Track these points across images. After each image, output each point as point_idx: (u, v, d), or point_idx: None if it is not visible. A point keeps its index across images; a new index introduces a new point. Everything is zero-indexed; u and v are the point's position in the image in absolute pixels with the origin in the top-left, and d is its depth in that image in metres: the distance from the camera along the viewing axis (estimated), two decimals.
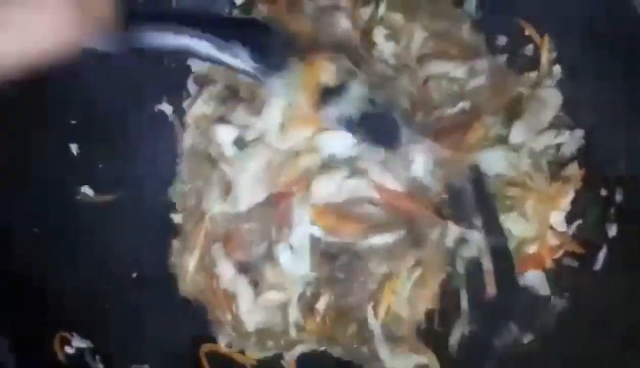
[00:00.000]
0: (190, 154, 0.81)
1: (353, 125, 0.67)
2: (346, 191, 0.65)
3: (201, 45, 0.58)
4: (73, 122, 0.78)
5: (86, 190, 0.79)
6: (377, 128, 0.69)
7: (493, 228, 0.68)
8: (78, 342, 0.67)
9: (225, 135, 0.76)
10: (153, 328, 0.76)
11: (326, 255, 0.68)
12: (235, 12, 0.89)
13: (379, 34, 0.77)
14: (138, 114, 0.84)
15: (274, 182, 0.68)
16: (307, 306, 0.69)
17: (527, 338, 0.71)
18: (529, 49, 0.85)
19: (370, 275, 0.67)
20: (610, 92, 0.75)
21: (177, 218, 0.82)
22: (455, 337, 0.70)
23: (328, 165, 0.68)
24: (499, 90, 0.79)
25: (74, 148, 0.79)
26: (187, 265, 0.75)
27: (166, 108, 0.87)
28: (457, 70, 0.77)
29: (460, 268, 0.70)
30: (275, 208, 0.69)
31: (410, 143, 0.69)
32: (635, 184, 0.71)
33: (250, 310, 0.70)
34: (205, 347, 0.76)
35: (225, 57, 0.60)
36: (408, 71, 0.77)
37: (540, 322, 0.72)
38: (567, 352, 0.68)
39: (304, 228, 0.66)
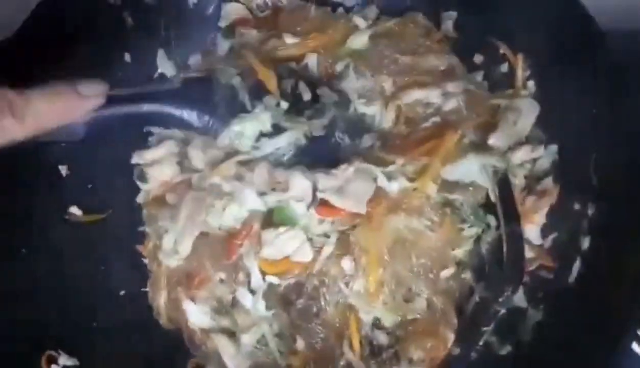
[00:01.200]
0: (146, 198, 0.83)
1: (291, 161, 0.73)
2: (288, 247, 0.67)
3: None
4: (63, 144, 0.80)
5: (74, 210, 0.81)
6: (318, 153, 0.74)
7: (513, 222, 0.71)
8: (65, 360, 0.69)
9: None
10: (140, 346, 0.78)
11: (284, 299, 0.70)
12: (219, 35, 0.93)
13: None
14: None
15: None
16: (288, 347, 0.71)
17: (504, 350, 0.73)
18: (504, 67, 0.88)
19: (331, 314, 0.69)
20: (581, 108, 0.78)
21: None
22: (471, 303, 0.72)
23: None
24: (474, 110, 0.81)
25: (63, 169, 0.81)
26: (159, 302, 0.76)
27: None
28: (431, 94, 0.80)
29: (484, 249, 0.74)
30: (221, 247, 0.71)
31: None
32: (606, 198, 0.73)
33: (237, 364, 0.71)
34: (193, 362, 0.77)
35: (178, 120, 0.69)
36: (379, 104, 0.80)
37: (518, 333, 0.73)
38: (544, 363, 0.70)
39: (257, 277, 0.68)
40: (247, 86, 0.73)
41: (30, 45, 0.77)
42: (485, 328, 0.69)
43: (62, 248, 0.77)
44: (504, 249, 0.70)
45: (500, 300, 0.67)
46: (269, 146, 0.72)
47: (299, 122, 0.73)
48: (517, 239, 0.70)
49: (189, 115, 0.70)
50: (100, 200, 0.84)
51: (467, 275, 0.74)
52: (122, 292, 0.81)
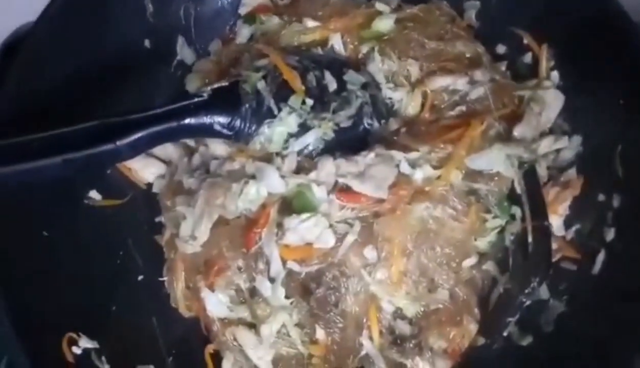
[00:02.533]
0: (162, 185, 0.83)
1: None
2: (310, 233, 0.67)
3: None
4: None
5: (94, 194, 0.81)
6: (346, 144, 0.74)
7: (539, 214, 0.71)
8: (85, 343, 0.69)
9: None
10: (158, 329, 0.78)
11: (303, 288, 0.69)
12: (240, 22, 0.93)
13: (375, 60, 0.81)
14: None
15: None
16: (309, 336, 0.70)
17: (525, 341, 0.72)
18: (527, 57, 0.87)
19: (350, 304, 0.68)
20: (607, 99, 0.77)
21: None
22: (495, 294, 0.71)
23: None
24: (500, 100, 0.80)
25: None
26: (176, 289, 0.76)
27: None
28: (457, 82, 0.79)
29: (507, 241, 0.73)
30: (240, 236, 0.70)
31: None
32: (633, 189, 0.72)
33: (260, 356, 0.71)
34: (210, 348, 0.77)
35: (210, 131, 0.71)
36: (405, 89, 0.79)
37: (539, 324, 0.73)
38: (566, 355, 0.69)
39: (277, 264, 0.67)
40: (272, 90, 0.73)
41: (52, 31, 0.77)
42: (510, 319, 0.68)
43: (81, 232, 0.77)
44: (529, 241, 0.69)
45: (527, 291, 0.66)
46: (297, 145, 0.73)
47: (325, 118, 0.73)
48: (544, 231, 0.70)
49: (220, 125, 0.71)
50: (120, 186, 0.84)
51: (490, 266, 0.73)
52: (140, 277, 0.81)
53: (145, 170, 0.86)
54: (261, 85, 0.73)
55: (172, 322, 0.78)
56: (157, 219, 0.82)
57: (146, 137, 0.67)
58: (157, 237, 0.82)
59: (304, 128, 0.73)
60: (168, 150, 0.86)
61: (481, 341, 0.68)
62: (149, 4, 0.87)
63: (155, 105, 0.70)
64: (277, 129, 0.72)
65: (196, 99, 0.71)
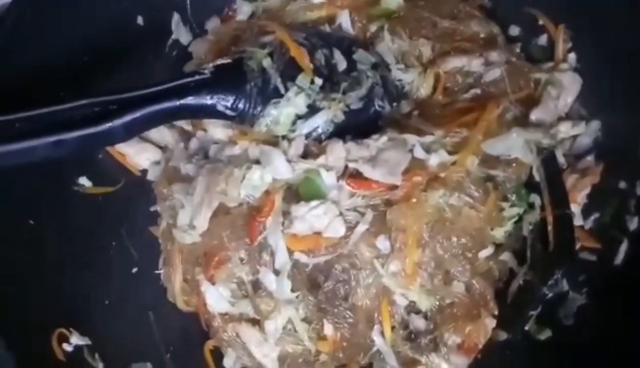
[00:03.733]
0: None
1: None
2: (320, 222, 0.62)
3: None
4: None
5: (84, 180, 0.76)
6: (358, 127, 0.70)
7: (561, 202, 0.68)
8: (77, 339, 0.64)
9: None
10: (155, 325, 0.73)
11: (310, 281, 0.65)
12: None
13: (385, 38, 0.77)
14: None
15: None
16: (316, 332, 0.66)
17: (544, 335, 0.69)
18: (542, 39, 0.83)
19: (361, 298, 0.64)
20: (627, 82, 0.73)
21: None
22: (513, 286, 0.68)
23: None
24: (516, 82, 0.76)
25: None
26: (174, 283, 0.71)
27: None
28: (472, 63, 0.75)
29: (525, 231, 0.69)
30: (243, 225, 0.66)
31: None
32: None
33: (265, 353, 0.67)
34: (210, 344, 0.72)
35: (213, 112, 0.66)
36: (417, 70, 0.75)
37: (559, 317, 0.69)
38: (587, 349, 0.66)
39: (283, 255, 0.63)
40: (279, 67, 0.68)
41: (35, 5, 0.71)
42: (532, 312, 0.64)
43: (70, 221, 0.72)
44: (550, 230, 0.66)
45: (550, 283, 0.63)
46: (305, 127, 0.68)
47: (335, 99, 0.69)
48: (567, 220, 0.66)
49: (223, 105, 0.66)
50: (112, 172, 0.79)
51: (507, 257, 0.69)
52: (134, 270, 0.76)
53: (139, 155, 0.81)
54: (267, 62, 0.68)
55: (169, 317, 0.74)
56: (152, 208, 0.77)
57: (143, 118, 0.62)
58: (153, 228, 0.77)
59: (312, 109, 0.68)
60: (164, 134, 0.81)
61: (503, 335, 0.64)
62: None
63: (153, 82, 0.65)
64: (285, 110, 0.67)
65: (197, 76, 0.66)
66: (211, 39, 0.85)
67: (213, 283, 0.67)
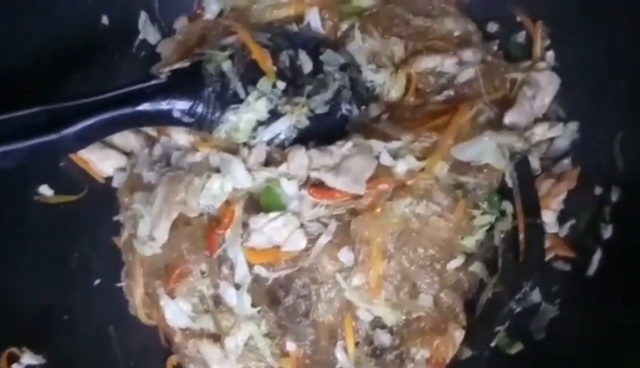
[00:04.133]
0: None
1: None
2: (279, 234, 0.60)
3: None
4: None
5: (44, 189, 0.74)
6: (323, 132, 0.67)
7: (532, 210, 0.65)
8: (29, 359, 0.62)
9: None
10: (116, 339, 0.71)
11: (271, 296, 0.63)
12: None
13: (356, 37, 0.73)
14: None
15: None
16: (279, 348, 0.64)
17: (515, 349, 0.67)
18: (521, 36, 0.80)
19: (322, 313, 0.62)
20: (607, 81, 0.70)
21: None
22: (482, 299, 0.66)
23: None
24: (491, 83, 0.73)
25: None
26: (135, 296, 0.69)
27: None
28: (445, 63, 0.72)
29: (497, 240, 0.67)
30: (203, 237, 0.63)
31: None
32: (634, 182, 0.66)
33: None
34: (173, 360, 0.70)
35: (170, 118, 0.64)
36: (388, 70, 0.72)
37: (530, 331, 0.67)
38: (559, 363, 0.64)
39: (243, 269, 0.61)
40: (239, 71, 0.65)
41: None
42: (499, 328, 0.62)
43: (29, 232, 0.70)
44: (521, 240, 0.63)
45: (517, 297, 0.60)
46: (267, 134, 0.66)
47: (298, 104, 0.66)
48: (537, 230, 0.63)
49: (180, 111, 0.64)
50: (75, 179, 0.77)
51: (477, 268, 0.66)
52: (96, 282, 0.74)
53: (103, 162, 0.78)
54: (227, 66, 0.65)
55: (131, 331, 0.72)
56: (115, 218, 0.75)
57: (96, 126, 0.60)
58: (116, 239, 0.75)
59: (274, 115, 0.66)
60: (129, 139, 0.79)
61: (467, 353, 0.62)
62: None
63: (106, 88, 0.62)
64: (245, 116, 0.65)
65: (153, 81, 0.63)
66: (179, 38, 0.83)
67: (173, 298, 0.65)
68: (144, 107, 0.62)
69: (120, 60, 0.83)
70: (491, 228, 0.67)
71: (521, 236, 0.64)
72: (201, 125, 0.65)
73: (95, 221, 0.76)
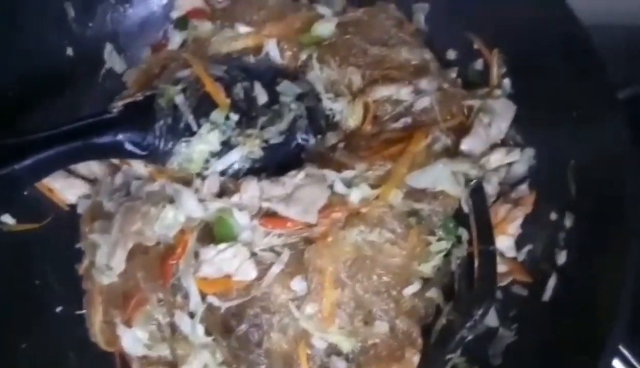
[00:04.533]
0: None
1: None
2: (229, 265, 0.60)
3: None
4: None
5: (6, 218, 0.74)
6: (278, 162, 0.68)
7: (485, 237, 0.66)
8: None
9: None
10: (76, 366, 0.71)
11: (224, 325, 0.62)
12: (171, 27, 0.86)
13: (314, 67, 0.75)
14: None
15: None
16: None
17: None
18: (479, 64, 0.82)
19: (275, 342, 0.62)
20: (560, 109, 0.72)
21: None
22: (438, 326, 0.66)
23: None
24: (448, 110, 0.75)
25: None
26: (94, 323, 0.69)
27: None
28: (401, 91, 0.73)
29: (454, 265, 0.68)
30: (158, 266, 0.64)
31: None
32: (585, 208, 0.67)
33: None
34: None
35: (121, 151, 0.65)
36: (346, 99, 0.74)
37: (487, 356, 0.67)
38: None
39: (196, 298, 0.61)
40: (192, 104, 0.66)
41: None
42: (450, 355, 0.62)
43: None
44: (475, 267, 0.64)
45: (468, 325, 0.61)
46: (220, 165, 0.66)
47: (251, 135, 0.67)
48: (489, 257, 0.64)
49: (132, 144, 0.64)
50: (39, 207, 0.77)
51: (434, 294, 0.67)
52: (58, 309, 0.74)
53: (68, 190, 0.79)
54: (179, 99, 0.66)
55: (92, 359, 0.71)
56: (77, 245, 0.75)
57: (47, 159, 0.60)
58: (78, 266, 0.75)
59: (227, 146, 0.66)
60: (92, 168, 0.79)
61: None
62: (69, 8, 0.81)
63: (59, 122, 0.63)
64: (197, 147, 0.66)
65: (105, 116, 0.64)
66: (143, 68, 0.84)
67: (130, 326, 0.65)
68: (95, 140, 0.62)
69: (86, 89, 0.84)
70: (448, 254, 0.68)
71: (476, 263, 0.65)
72: (154, 157, 0.66)
73: (59, 248, 0.76)
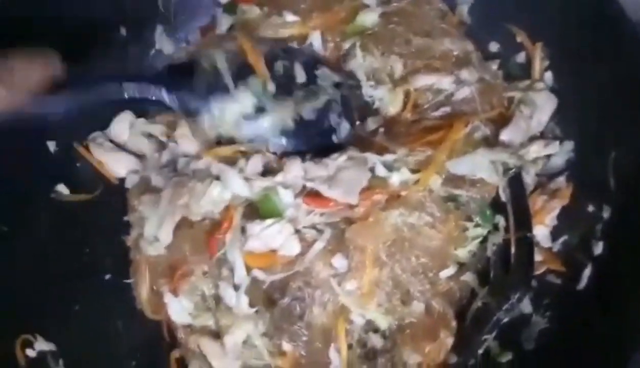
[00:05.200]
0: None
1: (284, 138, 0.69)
2: (275, 240, 0.63)
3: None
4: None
5: (61, 188, 0.78)
6: (308, 139, 0.70)
7: (523, 225, 0.68)
8: (41, 345, 0.66)
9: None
10: (123, 332, 0.75)
11: (267, 298, 0.65)
12: (220, 11, 0.89)
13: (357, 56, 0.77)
14: None
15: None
16: (276, 347, 0.66)
17: (505, 357, 0.68)
18: (521, 57, 0.82)
19: (316, 316, 0.64)
20: (602, 102, 0.72)
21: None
22: (473, 309, 0.68)
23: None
24: (488, 101, 0.76)
25: (51, 145, 0.78)
26: (142, 292, 0.72)
27: None
28: (442, 81, 0.74)
29: (490, 251, 0.69)
30: (204, 240, 0.67)
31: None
32: (624, 201, 0.67)
33: (225, 367, 0.67)
34: (176, 354, 0.73)
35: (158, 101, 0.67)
36: (387, 87, 0.75)
37: (520, 341, 0.69)
38: None
39: (241, 271, 0.64)
40: (232, 68, 0.69)
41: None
42: (486, 337, 0.64)
43: (46, 227, 0.74)
44: (512, 253, 0.65)
45: (504, 308, 0.62)
46: (250, 129, 0.68)
47: (285, 104, 0.69)
48: (527, 244, 0.66)
49: (169, 96, 0.67)
50: (89, 180, 0.81)
51: (469, 278, 0.69)
52: (107, 277, 0.78)
53: (116, 164, 0.82)
54: (221, 62, 0.68)
55: (138, 325, 0.75)
56: (125, 218, 0.78)
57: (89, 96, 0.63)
58: (125, 238, 0.78)
59: (260, 112, 0.68)
60: (141, 143, 0.83)
61: (453, 358, 0.64)
62: None
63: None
64: (231, 107, 0.68)
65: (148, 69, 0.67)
66: (191, 50, 0.87)
67: (176, 296, 0.69)
68: (135, 87, 0.65)
69: (136, 69, 0.88)
70: (484, 240, 0.69)
71: (513, 249, 0.67)
72: (188, 112, 0.69)
73: (107, 220, 0.79)
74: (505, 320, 0.63)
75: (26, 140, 0.75)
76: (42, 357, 0.66)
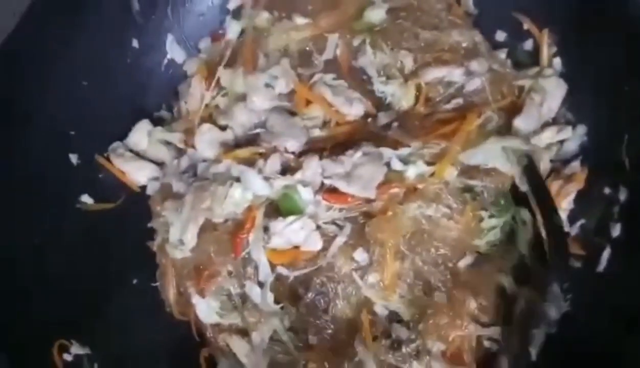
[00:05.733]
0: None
1: None
2: (297, 236, 0.65)
3: None
4: (72, 132, 0.79)
5: (85, 198, 0.81)
6: None
7: (548, 210, 0.67)
8: (76, 349, 0.68)
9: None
10: (153, 334, 0.77)
11: (292, 293, 0.67)
12: (229, 18, 0.91)
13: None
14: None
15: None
16: (303, 341, 0.68)
17: None
18: (528, 44, 0.83)
19: (341, 309, 0.66)
20: (612, 85, 0.73)
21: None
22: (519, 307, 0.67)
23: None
24: (499, 90, 0.77)
25: (73, 158, 0.80)
26: (169, 295, 0.75)
27: None
28: (453, 73, 0.75)
29: (523, 248, 0.69)
30: (228, 241, 0.68)
31: None
32: None
33: (255, 363, 0.69)
34: (205, 352, 0.75)
35: None
36: (398, 82, 0.77)
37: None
38: (570, 358, 0.66)
39: (266, 269, 0.66)
40: None
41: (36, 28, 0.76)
42: (534, 331, 0.63)
43: (74, 237, 0.77)
44: (545, 244, 0.65)
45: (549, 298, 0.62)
46: None
47: None
48: (558, 230, 0.65)
49: None
50: (112, 189, 0.83)
51: (505, 281, 0.68)
52: (134, 281, 0.80)
53: (137, 172, 0.85)
54: None
55: (167, 326, 0.77)
56: (149, 225, 0.80)
57: None
58: (150, 243, 0.80)
59: None
60: (160, 151, 0.85)
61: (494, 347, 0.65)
62: (134, 1, 0.86)
63: None
64: None
65: None
66: (203, 57, 0.89)
67: (203, 296, 0.71)
68: None
69: (150, 79, 0.90)
70: (513, 236, 0.70)
71: (544, 235, 0.66)
72: None
73: (132, 226, 0.81)
74: (553, 312, 0.63)
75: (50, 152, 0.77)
76: (78, 360, 0.68)
